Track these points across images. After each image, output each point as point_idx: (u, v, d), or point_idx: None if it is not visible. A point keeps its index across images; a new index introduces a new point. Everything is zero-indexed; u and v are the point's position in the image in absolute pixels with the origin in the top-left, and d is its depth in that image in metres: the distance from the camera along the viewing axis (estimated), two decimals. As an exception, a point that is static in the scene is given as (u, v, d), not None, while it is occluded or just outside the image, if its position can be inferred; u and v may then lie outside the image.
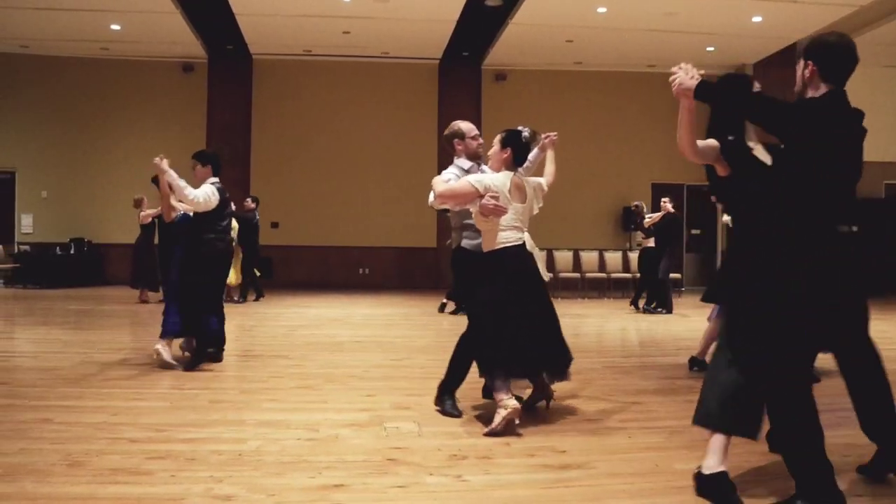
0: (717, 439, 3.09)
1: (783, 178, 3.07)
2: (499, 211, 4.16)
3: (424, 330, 9.27)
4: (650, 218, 11.75)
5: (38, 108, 16.34)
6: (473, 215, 4.35)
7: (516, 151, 4.42)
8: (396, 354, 7.05)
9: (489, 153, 4.55)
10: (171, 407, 4.62)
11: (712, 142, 3.38)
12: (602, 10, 13.08)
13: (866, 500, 3.06)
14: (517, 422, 4.08)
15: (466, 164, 4.69)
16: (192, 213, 6.30)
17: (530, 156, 4.89)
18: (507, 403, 4.00)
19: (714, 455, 3.06)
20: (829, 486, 2.81)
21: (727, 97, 3.17)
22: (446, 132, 4.83)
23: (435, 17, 13.73)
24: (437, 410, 4.57)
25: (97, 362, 6.18)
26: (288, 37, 15.19)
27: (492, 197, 4.16)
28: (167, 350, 6.06)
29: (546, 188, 4.67)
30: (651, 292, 11.81)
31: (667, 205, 11.50)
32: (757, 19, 13.47)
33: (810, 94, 3.01)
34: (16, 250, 15.85)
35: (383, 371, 6.11)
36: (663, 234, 11.61)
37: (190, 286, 6.14)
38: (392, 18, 13.78)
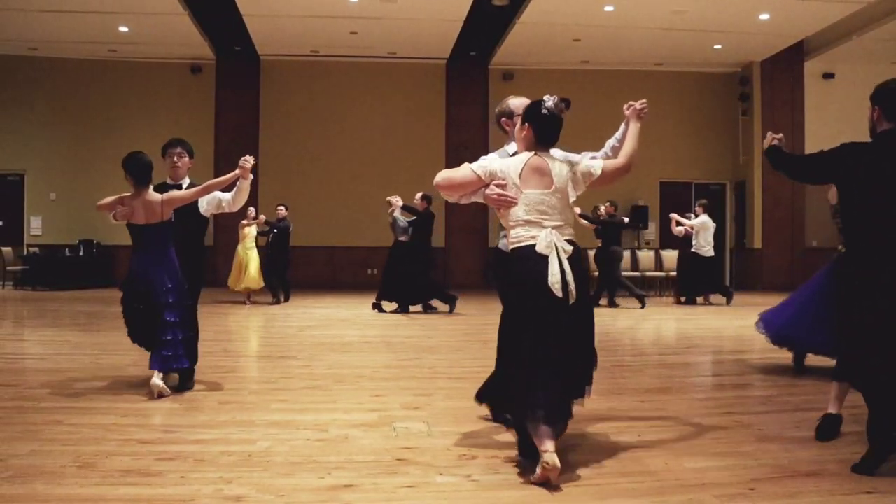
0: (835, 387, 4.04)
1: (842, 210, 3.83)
2: (505, 202, 3.51)
3: (433, 330, 9.27)
4: (593, 222, 12.55)
5: (46, 110, 16.41)
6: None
7: (538, 127, 3.64)
8: (405, 354, 7.05)
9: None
10: (181, 408, 4.63)
11: None
12: (609, 8, 13.06)
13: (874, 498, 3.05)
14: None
15: (513, 147, 3.89)
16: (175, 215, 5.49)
17: (617, 133, 4.14)
18: (547, 458, 3.16)
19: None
20: None
21: (776, 160, 3.97)
22: (496, 110, 4.15)
23: (442, 16, 13.73)
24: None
25: (106, 364, 6.20)
26: (295, 37, 15.22)
27: (497, 185, 3.55)
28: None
29: (601, 172, 3.68)
30: (608, 288, 12.71)
31: (598, 209, 12.61)
32: (764, 17, 13.43)
33: (879, 130, 3.62)
34: (25, 252, 15.92)
35: (392, 371, 6.11)
36: (606, 236, 12.57)
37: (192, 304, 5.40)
38: (399, 18, 13.79)
